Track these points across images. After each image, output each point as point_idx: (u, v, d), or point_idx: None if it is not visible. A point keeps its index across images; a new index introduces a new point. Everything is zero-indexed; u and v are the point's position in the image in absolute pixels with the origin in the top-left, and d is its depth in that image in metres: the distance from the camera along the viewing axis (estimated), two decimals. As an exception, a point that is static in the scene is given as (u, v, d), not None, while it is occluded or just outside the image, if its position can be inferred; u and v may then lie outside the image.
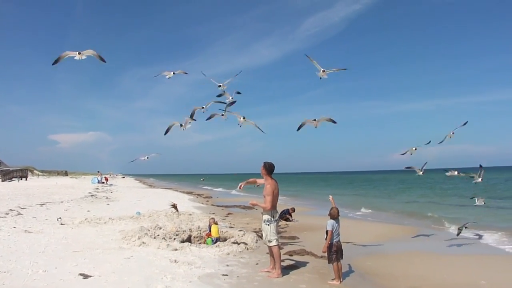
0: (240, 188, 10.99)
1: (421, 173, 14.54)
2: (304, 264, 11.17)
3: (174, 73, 14.41)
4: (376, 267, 11.21)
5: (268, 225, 9.85)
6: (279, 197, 10.20)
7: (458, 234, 14.69)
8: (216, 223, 14.58)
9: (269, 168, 10.21)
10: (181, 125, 13.96)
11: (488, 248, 14.62)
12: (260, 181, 10.72)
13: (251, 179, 11.14)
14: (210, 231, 14.24)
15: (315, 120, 14.07)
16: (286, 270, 10.31)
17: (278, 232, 10.21)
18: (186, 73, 14.81)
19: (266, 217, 9.89)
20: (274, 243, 9.84)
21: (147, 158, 15.22)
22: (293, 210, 21.98)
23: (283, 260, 10.93)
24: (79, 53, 12.18)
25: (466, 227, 14.57)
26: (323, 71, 13.51)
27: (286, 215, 21.21)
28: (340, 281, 9.41)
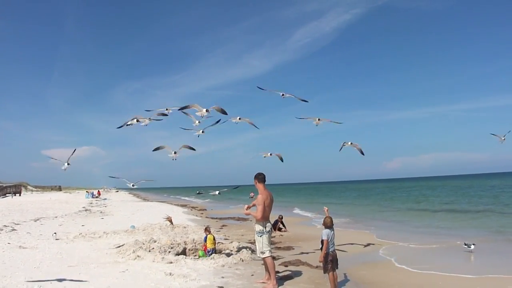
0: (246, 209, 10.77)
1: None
2: (299, 274, 11.18)
3: (150, 120, 14.31)
4: (371, 276, 11.22)
5: (261, 236, 9.85)
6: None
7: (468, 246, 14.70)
8: (211, 233, 14.61)
9: (258, 177, 10.21)
10: (175, 152, 13.79)
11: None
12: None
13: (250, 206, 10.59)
14: (206, 242, 14.24)
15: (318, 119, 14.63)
16: (281, 281, 10.32)
17: (271, 243, 10.21)
18: (165, 115, 14.50)
19: (258, 228, 9.90)
20: (267, 254, 9.81)
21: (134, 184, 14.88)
22: (281, 217, 22.00)
23: (278, 271, 11.00)
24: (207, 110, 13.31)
25: (474, 244, 14.63)
26: (282, 94, 14.62)
27: (277, 224, 21.25)
28: (336, 291, 9.44)
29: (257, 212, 9.82)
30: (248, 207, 10.38)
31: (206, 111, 13.28)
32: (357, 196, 72.26)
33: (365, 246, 16.24)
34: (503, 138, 15.60)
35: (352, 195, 79.20)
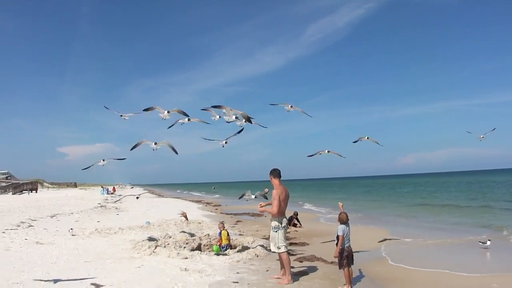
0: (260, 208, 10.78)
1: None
2: (314, 270, 11.17)
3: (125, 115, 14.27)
4: (386, 272, 11.18)
5: (276, 231, 9.88)
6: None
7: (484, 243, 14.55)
8: (225, 229, 14.66)
9: (274, 172, 10.28)
10: (155, 143, 13.72)
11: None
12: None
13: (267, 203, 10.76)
14: (220, 237, 14.30)
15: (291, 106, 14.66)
16: (296, 276, 10.30)
17: (286, 239, 10.22)
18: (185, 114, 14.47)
19: (274, 223, 9.92)
20: (282, 249, 9.85)
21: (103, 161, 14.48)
22: (296, 214, 22.01)
23: (293, 267, 10.99)
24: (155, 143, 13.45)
25: (490, 240, 14.49)
26: (291, 106, 14.52)
27: (292, 220, 21.26)
28: (351, 286, 9.41)
29: (273, 207, 9.84)
30: (263, 205, 10.41)
31: (168, 112, 13.33)
32: (371, 192, 71.94)
33: (379, 242, 16.18)
34: (481, 137, 15.44)
35: (365, 190, 78.87)
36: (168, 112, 13.20)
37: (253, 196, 16.14)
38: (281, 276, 10.00)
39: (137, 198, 14.30)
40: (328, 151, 14.89)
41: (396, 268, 11.77)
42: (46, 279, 9.28)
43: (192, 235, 16.29)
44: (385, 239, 16.68)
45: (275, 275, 10.25)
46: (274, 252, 10.23)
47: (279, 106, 14.75)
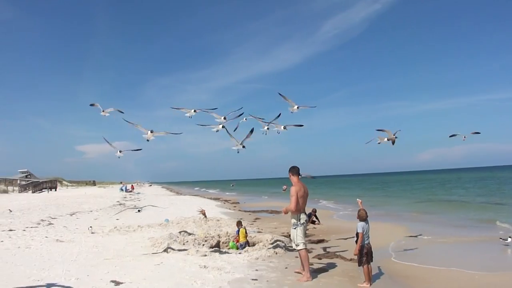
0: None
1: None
2: (333, 267, 11.12)
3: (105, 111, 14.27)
4: (405, 270, 11.08)
5: (295, 228, 9.91)
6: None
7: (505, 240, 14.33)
8: (243, 226, 14.66)
9: (293, 170, 10.31)
10: (151, 131, 13.67)
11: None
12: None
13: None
14: (238, 234, 14.30)
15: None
16: (315, 273, 10.27)
17: (305, 236, 10.16)
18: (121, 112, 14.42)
19: (292, 221, 9.94)
20: (301, 246, 9.86)
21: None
22: (315, 211, 21.94)
23: (312, 264, 10.98)
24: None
25: (510, 237, 14.26)
26: (297, 107, 14.47)
27: (311, 217, 21.21)
28: (370, 284, 9.35)
29: (290, 203, 9.85)
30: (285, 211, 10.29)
31: (151, 132, 13.40)
32: (388, 188, 71.57)
33: (398, 239, 16.07)
34: (464, 138, 15.08)
35: (383, 187, 78.52)
36: (151, 132, 13.28)
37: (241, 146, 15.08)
38: (301, 271, 9.98)
39: (139, 211, 14.14)
40: (464, 137, 14.98)
41: (415, 265, 11.63)
42: (66, 276, 9.34)
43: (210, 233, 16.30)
44: (405, 236, 16.57)
45: (297, 269, 10.29)
46: (294, 249, 10.22)
47: (286, 103, 14.66)
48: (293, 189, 9.98)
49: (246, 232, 14.49)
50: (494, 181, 71.33)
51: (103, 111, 14.04)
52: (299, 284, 9.43)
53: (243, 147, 13.93)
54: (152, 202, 37.55)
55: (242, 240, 14.14)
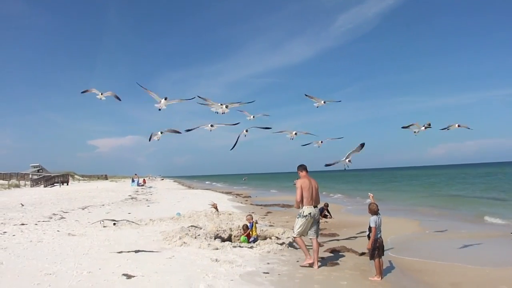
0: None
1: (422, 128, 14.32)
2: (345, 260, 11.12)
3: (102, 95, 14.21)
4: (416, 264, 11.03)
5: (297, 218, 10.63)
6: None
7: None
8: (254, 221, 14.60)
9: (300, 167, 10.97)
10: (161, 132, 13.72)
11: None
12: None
13: None
14: (251, 229, 14.24)
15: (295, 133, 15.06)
16: (327, 267, 10.33)
17: (303, 227, 10.53)
18: (118, 99, 14.52)
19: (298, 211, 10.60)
20: (294, 234, 10.68)
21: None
22: (327, 205, 21.92)
23: (323, 257, 11.26)
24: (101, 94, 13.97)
25: None
26: (324, 102, 14.70)
27: (323, 212, 21.21)
28: (381, 277, 9.33)
29: (296, 195, 10.57)
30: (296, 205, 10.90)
31: (161, 133, 13.62)
32: (400, 183, 71.54)
33: (410, 233, 16.01)
34: (417, 131, 14.70)
35: (395, 181, 78.46)
36: (165, 99, 13.25)
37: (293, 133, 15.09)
38: (315, 259, 10.38)
39: (114, 224, 13.65)
40: (458, 125, 14.67)
41: (426, 260, 11.58)
42: (78, 269, 9.34)
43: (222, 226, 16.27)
44: (415, 231, 16.50)
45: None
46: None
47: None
48: (298, 182, 10.66)
49: (256, 228, 14.48)
50: (497, 177, 70.95)
51: (101, 93, 14.08)
52: (311, 277, 9.43)
53: (247, 131, 14.37)
54: (165, 195, 37.58)
55: (254, 234, 14.12)
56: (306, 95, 14.79)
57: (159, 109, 13.28)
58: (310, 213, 10.46)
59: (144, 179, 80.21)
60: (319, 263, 10.41)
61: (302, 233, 10.59)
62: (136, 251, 11.63)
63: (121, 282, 8.46)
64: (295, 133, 14.86)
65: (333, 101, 15.18)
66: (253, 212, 24.01)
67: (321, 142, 15.21)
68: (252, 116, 14.32)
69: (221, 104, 13.33)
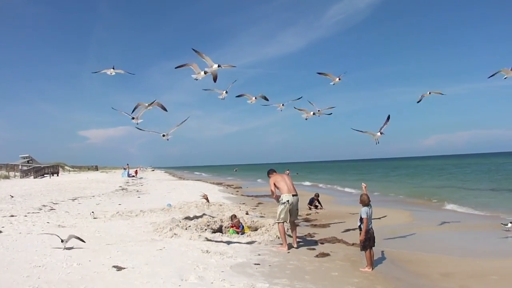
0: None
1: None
2: (335, 251, 11.15)
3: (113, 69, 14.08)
4: (407, 255, 11.09)
5: (278, 206, 12.00)
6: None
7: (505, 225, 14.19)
8: (237, 219, 14.55)
9: (269, 172, 12.68)
10: (149, 104, 13.67)
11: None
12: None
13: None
14: (242, 229, 14.15)
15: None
16: (317, 257, 10.35)
17: (284, 213, 11.79)
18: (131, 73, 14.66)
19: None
20: (278, 220, 11.94)
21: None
22: (317, 196, 21.95)
23: (314, 248, 11.48)
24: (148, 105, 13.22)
25: (511, 223, 14.15)
26: (339, 78, 14.88)
27: (313, 202, 21.26)
28: (372, 268, 9.36)
29: (270, 187, 12.31)
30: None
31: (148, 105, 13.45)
32: (392, 174, 71.74)
33: (401, 224, 16.07)
34: (377, 138, 14.48)
35: (386, 172, 78.65)
36: (148, 104, 13.25)
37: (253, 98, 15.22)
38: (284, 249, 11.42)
39: (62, 242, 13.10)
40: (429, 92, 14.86)
41: (417, 250, 11.68)
42: (68, 261, 9.29)
43: (213, 217, 16.24)
44: (406, 222, 16.56)
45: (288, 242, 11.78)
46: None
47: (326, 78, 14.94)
48: (270, 179, 12.31)
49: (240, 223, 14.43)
50: (499, 167, 71.48)
51: (113, 68, 14.01)
52: (302, 268, 9.46)
53: (256, 98, 15.04)
54: (156, 186, 37.45)
55: (247, 231, 14.09)
56: (319, 73, 14.97)
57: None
58: (288, 200, 11.77)
59: (136, 170, 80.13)
60: (297, 243, 11.88)
61: (285, 219, 11.78)
62: (127, 243, 11.60)
63: (111, 274, 8.41)
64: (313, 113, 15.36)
65: (341, 76, 15.08)
66: (243, 203, 24.01)
67: (282, 105, 15.45)
68: (254, 98, 14.85)
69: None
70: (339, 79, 14.68)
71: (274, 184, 12.10)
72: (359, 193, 10.40)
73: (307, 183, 46.94)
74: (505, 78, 13.44)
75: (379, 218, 16.14)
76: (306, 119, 15.40)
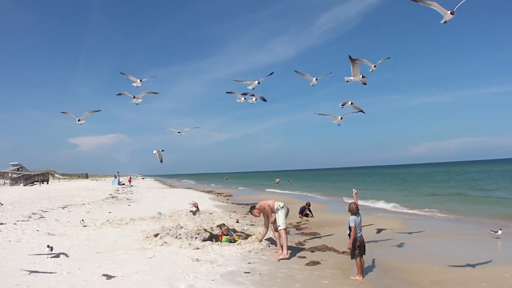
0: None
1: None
2: (326, 259, 11.13)
3: (141, 81, 14.87)
4: (398, 263, 11.07)
5: (276, 214, 12.04)
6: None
7: (495, 232, 14.25)
8: (226, 227, 14.50)
9: (250, 209, 13.20)
10: (134, 97, 14.45)
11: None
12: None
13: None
14: (233, 236, 14.10)
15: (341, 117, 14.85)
16: (308, 266, 10.35)
17: (284, 218, 12.04)
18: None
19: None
20: (282, 227, 11.81)
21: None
22: (309, 204, 21.95)
23: (304, 257, 11.36)
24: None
25: (501, 229, 14.22)
26: (316, 79, 14.90)
27: (304, 211, 21.25)
28: (363, 276, 9.37)
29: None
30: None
31: (140, 81, 14.72)
32: (382, 181, 71.81)
33: (392, 232, 16.06)
34: (339, 118, 14.59)
35: (377, 180, 78.71)
36: (140, 80, 14.55)
37: (243, 98, 16.20)
38: (277, 250, 11.84)
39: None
40: (351, 103, 14.75)
41: (408, 259, 11.66)
42: (57, 270, 9.26)
43: (203, 226, 16.21)
44: (397, 230, 16.57)
45: (274, 249, 12.23)
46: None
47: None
48: (258, 209, 12.67)
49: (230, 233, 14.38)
50: (489, 175, 71.78)
51: (134, 97, 14.91)
52: (292, 276, 9.47)
53: (259, 83, 15.58)
54: (146, 194, 37.45)
55: (237, 239, 14.04)
56: (296, 71, 15.02)
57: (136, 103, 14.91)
58: (283, 205, 12.24)
59: (129, 178, 79.83)
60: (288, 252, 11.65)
61: (286, 224, 12.06)
62: (117, 251, 11.57)
63: (101, 283, 8.40)
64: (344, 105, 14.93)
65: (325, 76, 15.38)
66: (234, 211, 23.99)
67: (341, 118, 14.84)
68: (256, 82, 15.41)
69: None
70: (316, 79, 14.70)
71: (259, 208, 12.65)
72: (350, 200, 10.42)
73: (298, 192, 46.91)
74: (333, 122, 14.48)
75: (367, 226, 16.16)
76: (339, 124, 14.88)
